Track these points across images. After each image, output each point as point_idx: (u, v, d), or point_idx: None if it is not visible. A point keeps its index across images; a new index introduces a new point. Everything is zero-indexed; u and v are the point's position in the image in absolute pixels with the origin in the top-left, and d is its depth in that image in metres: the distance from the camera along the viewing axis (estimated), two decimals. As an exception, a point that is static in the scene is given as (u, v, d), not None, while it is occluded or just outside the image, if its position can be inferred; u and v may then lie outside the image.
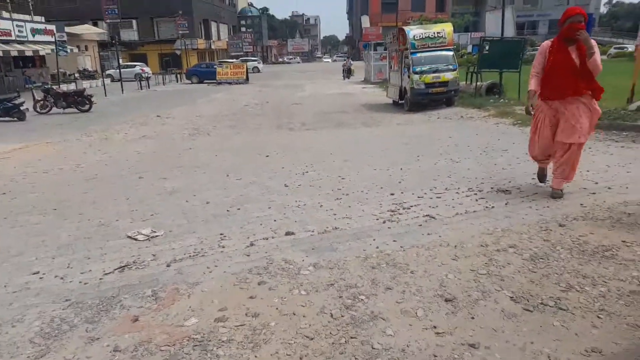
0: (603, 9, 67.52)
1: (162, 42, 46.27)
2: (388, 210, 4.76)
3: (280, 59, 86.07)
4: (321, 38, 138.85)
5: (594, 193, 4.86)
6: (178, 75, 36.04)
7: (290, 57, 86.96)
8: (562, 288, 2.97)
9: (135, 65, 36.45)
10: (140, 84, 27.67)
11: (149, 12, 46.35)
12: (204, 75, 32.06)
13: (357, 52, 69.75)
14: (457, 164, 6.74)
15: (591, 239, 3.67)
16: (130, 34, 46.89)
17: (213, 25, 56.88)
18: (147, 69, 35.38)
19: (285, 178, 6.35)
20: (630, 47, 36.45)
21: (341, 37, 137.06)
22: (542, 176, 5.36)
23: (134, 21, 46.69)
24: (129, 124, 12.93)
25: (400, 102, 14.92)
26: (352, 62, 34.81)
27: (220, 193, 5.75)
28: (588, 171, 5.73)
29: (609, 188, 5.01)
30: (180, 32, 42.21)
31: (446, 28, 14.45)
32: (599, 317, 2.64)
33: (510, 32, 19.13)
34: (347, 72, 31.97)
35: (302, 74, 41.05)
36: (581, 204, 4.54)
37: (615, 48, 40.10)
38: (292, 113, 14.48)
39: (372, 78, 26.88)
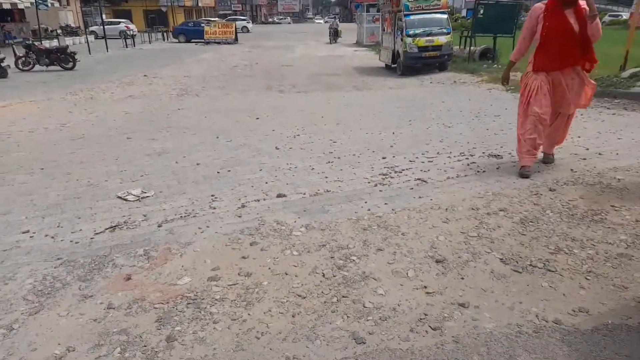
0: (599, -26, 66.10)
1: (148, -3, 44.64)
2: (380, 174, 4.76)
3: (270, 19, 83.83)
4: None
5: (584, 159, 4.90)
6: (164, 34, 35.02)
7: (281, 17, 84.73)
8: (551, 250, 3.02)
9: (119, 22, 35.22)
10: (126, 41, 26.83)
11: (133, -34, 44.49)
12: (192, 34, 31.16)
13: (349, 14, 68.15)
14: (450, 128, 6.72)
15: (581, 203, 3.72)
16: (113, -11, 45.07)
17: (200, -18, 54.90)
18: (132, 26, 34.26)
19: (276, 141, 6.29)
20: (625, 15, 36.18)
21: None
22: (526, 175, 4.45)
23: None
24: (115, 84, 12.61)
25: (392, 65, 14.71)
26: (338, 23, 30.91)
27: (210, 155, 5.69)
28: (579, 137, 5.76)
29: (600, 154, 5.04)
30: (167, -13, 40.75)
31: (441, -10, 14.11)
32: (586, 278, 2.70)
33: (505, -5, 18.74)
34: (335, 35, 29.04)
35: (293, 34, 40.14)
36: (572, 169, 4.58)
37: (609, 16, 39.65)
38: (282, 75, 14.23)
39: (364, 41, 26.38)
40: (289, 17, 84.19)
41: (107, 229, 3.64)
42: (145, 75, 14.18)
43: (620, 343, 2.16)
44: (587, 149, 5.24)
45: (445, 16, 14.06)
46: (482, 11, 14.56)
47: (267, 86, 11.99)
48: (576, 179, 4.28)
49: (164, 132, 6.95)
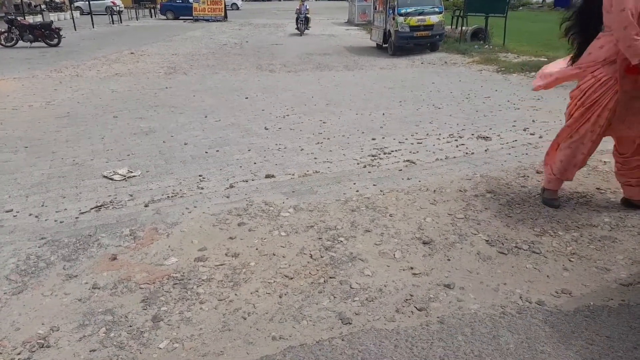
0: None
1: (134, -28, 43.48)
2: (369, 155, 4.74)
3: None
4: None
5: (571, 141, 4.92)
6: (152, 10, 34.26)
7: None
8: (537, 232, 3.05)
9: (106, -2, 34.34)
10: (112, 18, 26.25)
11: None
12: (180, 10, 30.47)
13: (340, -8, 67.14)
14: (439, 110, 6.70)
15: (567, 186, 3.74)
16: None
17: (189, -43, 53.47)
18: (118, 2, 33.38)
19: (265, 120, 6.23)
20: None
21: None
22: (554, 205, 3.44)
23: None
24: (101, 61, 12.35)
25: (384, 45, 14.57)
26: (307, 6, 20.74)
27: (198, 134, 5.62)
28: (567, 120, 5.77)
29: (587, 137, 5.06)
30: (154, -38, 39.63)
31: (432, -34, 13.92)
32: (570, 260, 2.73)
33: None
34: (305, 23, 20.37)
35: (284, 12, 39.45)
36: (559, 152, 4.59)
37: None
38: (272, 54, 14.03)
39: (355, 19, 26.04)
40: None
41: (92, 208, 3.59)
42: (132, 53, 13.89)
43: (601, 324, 2.20)
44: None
45: (437, -5, 13.90)
46: (474, -11, 14.40)
47: (257, 65, 11.83)
48: (563, 162, 4.30)
49: (151, 111, 6.85)
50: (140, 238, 3.12)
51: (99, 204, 3.66)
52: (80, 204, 3.69)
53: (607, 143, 4.78)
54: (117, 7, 30.09)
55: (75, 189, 4.00)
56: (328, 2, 60.39)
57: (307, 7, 20.75)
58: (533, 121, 5.79)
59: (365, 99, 7.62)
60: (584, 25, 3.20)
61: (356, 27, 24.01)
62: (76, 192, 3.92)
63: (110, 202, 3.71)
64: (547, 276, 2.59)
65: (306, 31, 20.46)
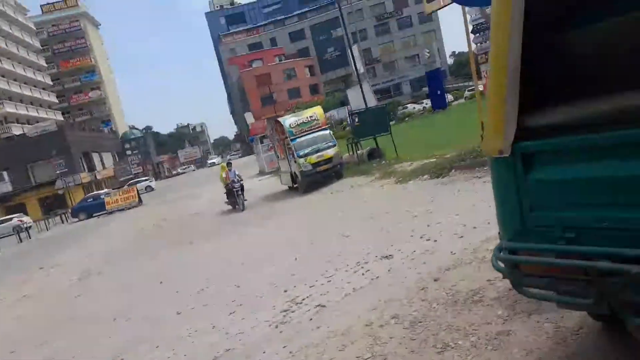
0: (449, 61, 76.83)
1: (41, 186, 43.57)
2: (281, 311, 4.64)
3: (174, 171, 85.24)
4: (212, 142, 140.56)
5: (462, 236, 5.19)
6: (63, 216, 33.82)
7: (184, 166, 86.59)
8: (439, 349, 3.02)
9: (12, 218, 33.36)
10: (19, 236, 25.31)
11: (21, 159, 43.64)
12: (92, 208, 30.28)
13: (248, 147, 71.63)
14: (347, 238, 6.90)
15: (462, 286, 3.85)
16: (2, 187, 43.57)
17: (95, 157, 55.09)
18: (26, 219, 32.41)
19: (177, 305, 5.98)
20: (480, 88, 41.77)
21: (231, 136, 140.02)
22: None
23: (4, 173, 43.64)
24: (6, 287, 11.62)
25: (294, 186, 15.29)
26: (236, 171, 14.93)
27: (101, 346, 5.23)
28: (457, 215, 6.15)
29: (475, 227, 5.37)
30: (59, 171, 40.27)
31: (317, 111, 15.52)
32: (472, 371, 2.70)
33: (372, 101, 21.02)
34: (242, 193, 14.64)
35: (197, 180, 40.81)
36: (451, 252, 4.80)
37: (468, 91, 45.69)
38: (191, 225, 14.05)
39: (265, 169, 27.51)
40: (192, 165, 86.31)
41: None
42: (41, 268, 13.25)
43: None
44: (465, 225, 5.58)
45: (327, 132, 15.25)
46: (357, 119, 16.08)
47: (176, 241, 11.65)
48: (456, 262, 4.49)
49: (60, 330, 6.34)
50: None
51: None
52: None
53: (491, 229, 5.08)
54: (24, 224, 29.23)
55: None
56: (235, 160, 63.75)
57: (237, 172, 14.87)
58: (428, 226, 6.10)
59: (280, 248, 7.67)
60: None
61: (268, 175, 25.23)
62: None
63: None
64: (456, 398, 2.51)
65: (245, 202, 14.68)
